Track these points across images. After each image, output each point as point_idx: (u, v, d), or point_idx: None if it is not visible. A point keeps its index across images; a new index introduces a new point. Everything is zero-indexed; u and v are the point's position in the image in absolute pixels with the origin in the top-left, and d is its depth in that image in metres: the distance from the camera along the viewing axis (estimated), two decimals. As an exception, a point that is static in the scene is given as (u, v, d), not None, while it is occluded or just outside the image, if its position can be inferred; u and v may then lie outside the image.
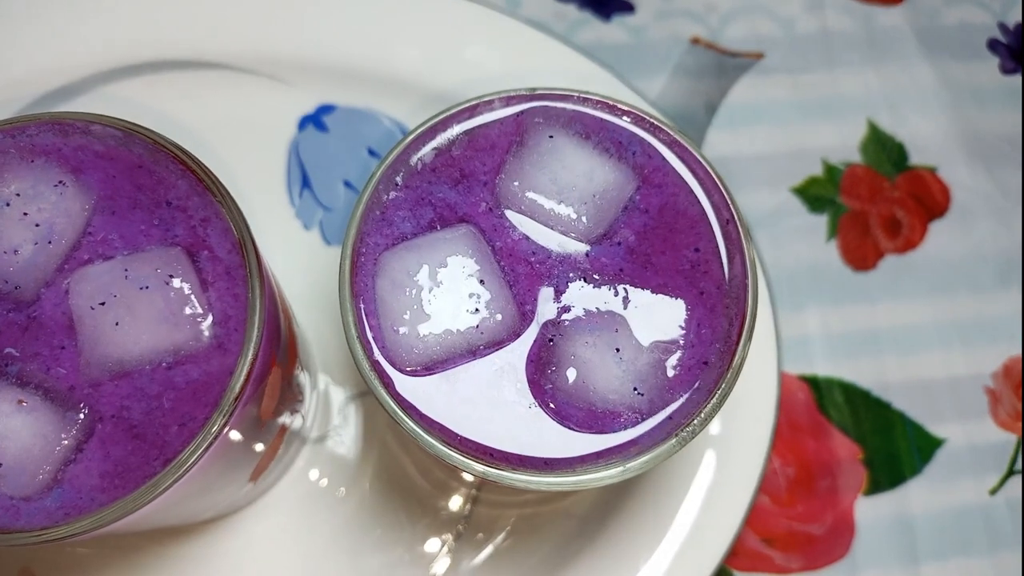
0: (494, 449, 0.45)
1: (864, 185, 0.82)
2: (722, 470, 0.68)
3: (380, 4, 0.77)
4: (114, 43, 0.74)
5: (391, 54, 0.75)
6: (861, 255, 0.80)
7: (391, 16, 0.77)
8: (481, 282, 0.46)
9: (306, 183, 0.75)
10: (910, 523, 0.73)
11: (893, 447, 0.75)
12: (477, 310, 0.46)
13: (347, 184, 0.75)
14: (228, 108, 0.76)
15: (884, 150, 0.84)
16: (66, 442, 0.44)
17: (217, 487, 0.52)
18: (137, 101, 0.75)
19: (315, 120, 0.76)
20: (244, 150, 0.74)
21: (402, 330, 0.46)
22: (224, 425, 0.43)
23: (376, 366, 0.45)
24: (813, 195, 0.82)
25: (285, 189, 0.75)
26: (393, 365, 0.46)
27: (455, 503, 0.69)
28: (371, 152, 0.76)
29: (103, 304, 0.44)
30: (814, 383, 0.75)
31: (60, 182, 0.47)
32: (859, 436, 0.74)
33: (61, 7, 0.74)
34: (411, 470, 0.67)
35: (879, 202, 0.82)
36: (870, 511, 0.73)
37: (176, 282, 0.45)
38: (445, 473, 0.64)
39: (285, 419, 0.57)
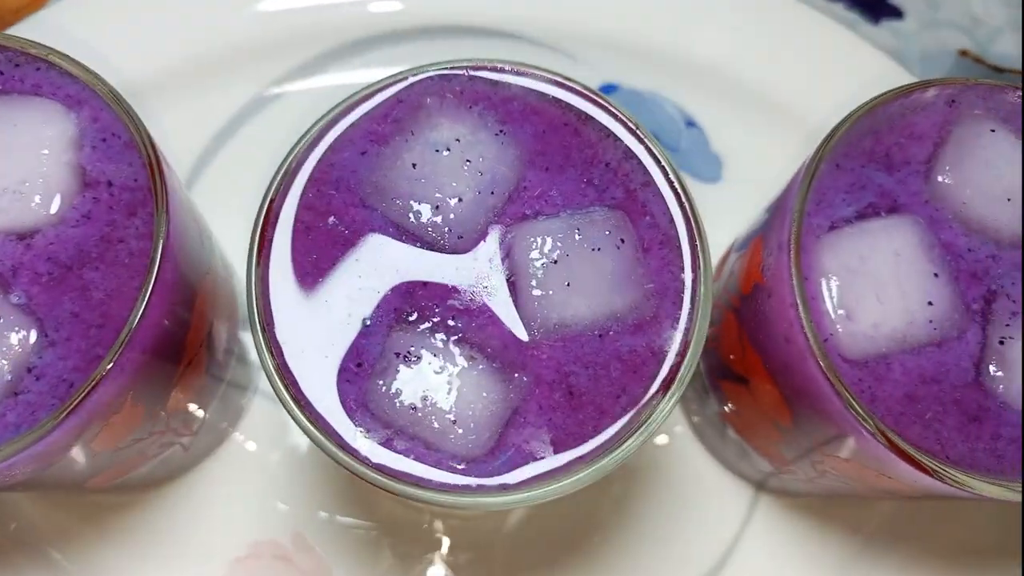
0: (947, 452, 0.43)
1: None
2: None
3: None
4: (419, 4, 0.72)
5: (684, 38, 0.73)
6: None
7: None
8: (935, 275, 0.44)
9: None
10: None
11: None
12: (931, 303, 0.44)
13: (627, 167, 0.73)
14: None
15: None
16: (507, 403, 0.41)
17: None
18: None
19: (597, 99, 0.74)
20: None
21: (852, 317, 0.43)
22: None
23: (829, 351, 0.43)
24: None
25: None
26: (839, 351, 0.44)
27: (735, 502, 0.66)
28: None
29: (555, 262, 0.42)
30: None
31: (501, 131, 0.45)
32: None
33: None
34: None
35: None
36: None
37: (626, 247, 0.43)
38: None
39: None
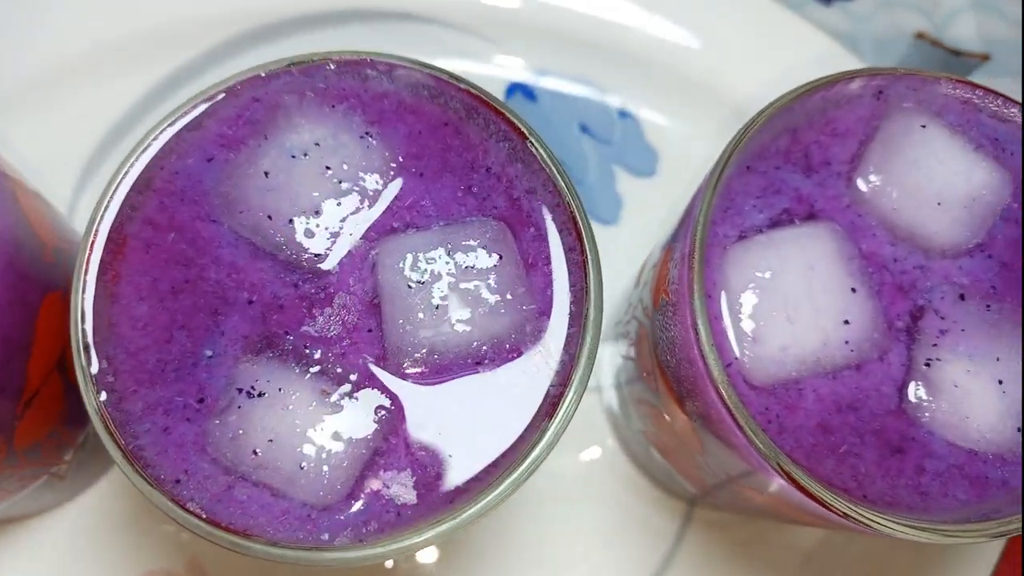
0: (865, 489, 0.38)
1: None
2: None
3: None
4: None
5: (617, 21, 0.68)
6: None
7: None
8: (852, 290, 0.39)
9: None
10: None
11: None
12: (847, 322, 0.39)
13: (556, 162, 0.68)
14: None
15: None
16: (366, 443, 0.37)
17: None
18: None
19: (524, 88, 0.69)
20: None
21: (758, 338, 0.39)
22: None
23: (732, 377, 0.38)
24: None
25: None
26: (744, 376, 0.39)
27: (668, 519, 0.62)
28: (583, 129, 0.69)
29: (422, 283, 0.37)
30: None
31: (367, 133, 0.40)
32: None
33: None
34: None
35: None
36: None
37: (506, 264, 0.38)
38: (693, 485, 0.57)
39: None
